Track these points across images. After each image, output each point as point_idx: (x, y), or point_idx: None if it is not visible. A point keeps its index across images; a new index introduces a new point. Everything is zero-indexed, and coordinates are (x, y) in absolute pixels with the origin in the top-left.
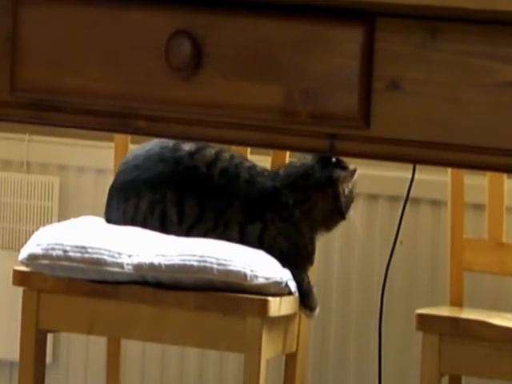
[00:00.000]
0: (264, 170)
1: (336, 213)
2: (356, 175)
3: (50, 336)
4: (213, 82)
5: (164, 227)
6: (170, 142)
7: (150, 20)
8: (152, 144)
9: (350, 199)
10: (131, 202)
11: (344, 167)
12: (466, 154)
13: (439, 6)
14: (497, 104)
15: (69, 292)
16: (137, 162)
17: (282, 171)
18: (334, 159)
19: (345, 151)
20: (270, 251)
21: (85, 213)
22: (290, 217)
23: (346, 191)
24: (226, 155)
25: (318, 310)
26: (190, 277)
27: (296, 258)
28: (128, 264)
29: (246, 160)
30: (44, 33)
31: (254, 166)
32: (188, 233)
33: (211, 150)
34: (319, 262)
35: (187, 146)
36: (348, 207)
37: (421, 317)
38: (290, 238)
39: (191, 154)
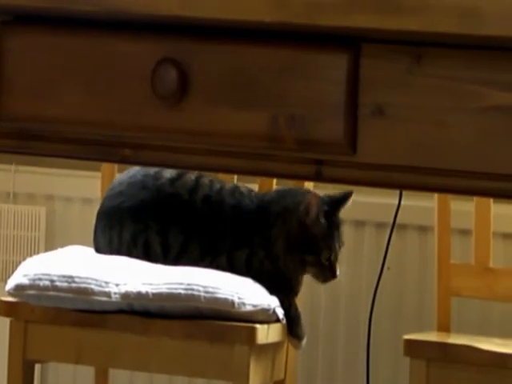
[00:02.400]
0: (250, 190)
1: (301, 245)
2: (315, 202)
3: (37, 366)
4: (199, 109)
5: (149, 258)
6: (151, 169)
7: (135, 48)
8: (135, 170)
9: (320, 236)
10: (115, 230)
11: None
12: (452, 179)
13: (424, 32)
14: (483, 129)
15: (56, 322)
16: (121, 188)
17: (273, 191)
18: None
19: (331, 177)
20: (259, 276)
21: (72, 243)
22: (269, 238)
23: (308, 220)
24: (206, 180)
25: (305, 340)
26: (177, 305)
27: (280, 283)
28: (115, 293)
29: (227, 183)
30: (29, 62)
31: (237, 188)
32: (174, 264)
33: (191, 175)
34: (306, 288)
35: (168, 173)
36: (313, 244)
37: (408, 342)
38: (273, 261)
39: (172, 180)
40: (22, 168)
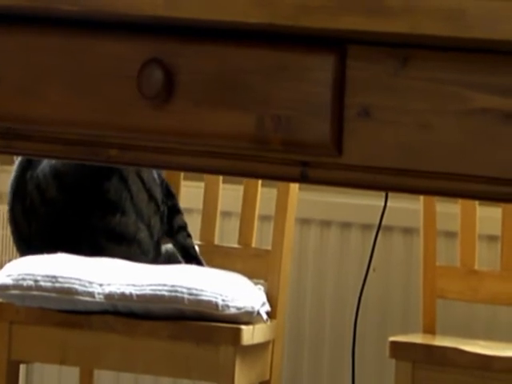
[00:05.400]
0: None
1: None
2: None
3: (22, 367)
4: (185, 110)
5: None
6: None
7: (121, 48)
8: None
9: None
10: None
11: None
12: (438, 182)
13: (410, 34)
14: (468, 131)
15: (41, 322)
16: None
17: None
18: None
19: (317, 179)
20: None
21: None
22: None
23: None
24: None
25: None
26: (161, 306)
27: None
28: (99, 293)
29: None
30: (13, 61)
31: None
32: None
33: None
34: (292, 290)
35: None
36: None
37: (394, 344)
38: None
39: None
40: (6, 168)
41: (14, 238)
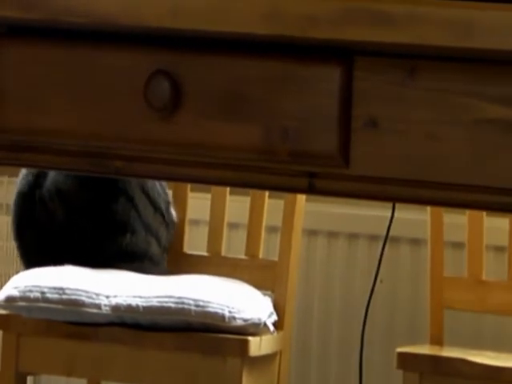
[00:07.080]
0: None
1: None
2: None
3: (30, 379)
4: (192, 121)
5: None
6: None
7: (128, 60)
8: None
9: None
10: None
11: None
12: (445, 192)
13: (417, 45)
14: (476, 141)
15: (48, 334)
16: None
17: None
18: None
19: (324, 190)
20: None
21: None
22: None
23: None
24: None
25: None
26: (167, 318)
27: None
28: (106, 305)
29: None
30: (20, 74)
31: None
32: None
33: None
34: (299, 301)
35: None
36: None
37: (401, 355)
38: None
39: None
40: (15, 180)
41: (22, 258)
